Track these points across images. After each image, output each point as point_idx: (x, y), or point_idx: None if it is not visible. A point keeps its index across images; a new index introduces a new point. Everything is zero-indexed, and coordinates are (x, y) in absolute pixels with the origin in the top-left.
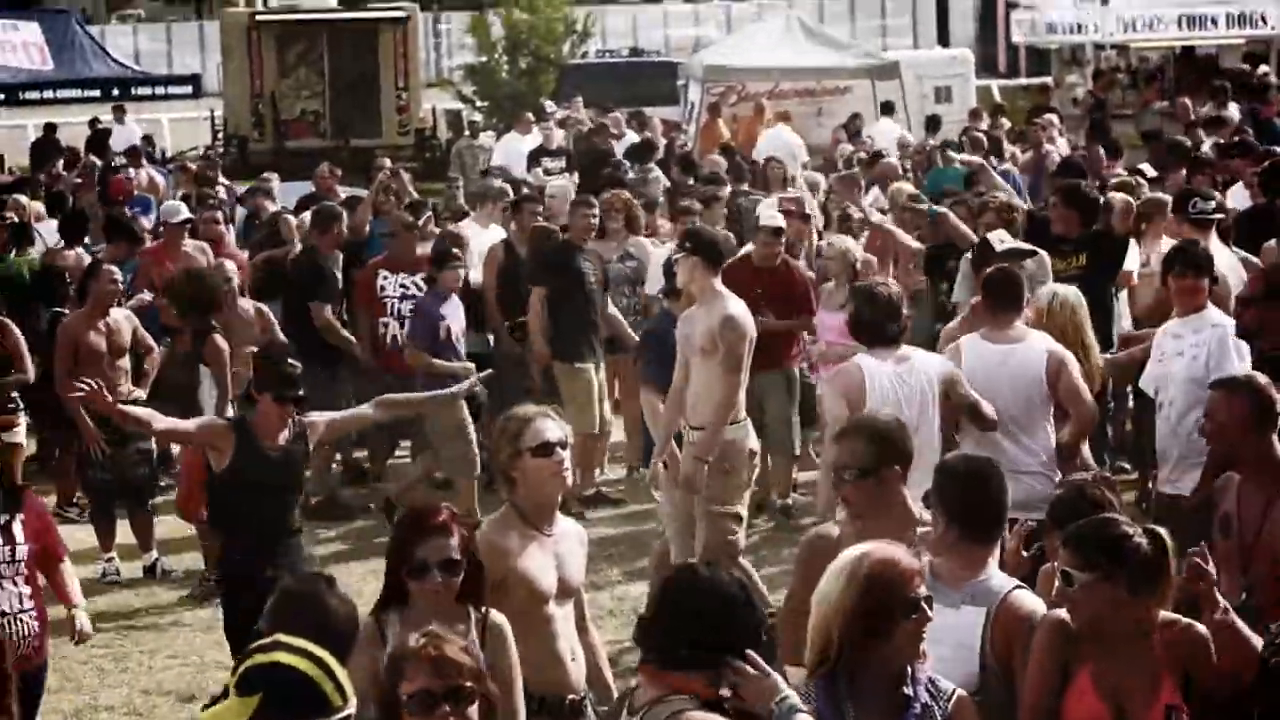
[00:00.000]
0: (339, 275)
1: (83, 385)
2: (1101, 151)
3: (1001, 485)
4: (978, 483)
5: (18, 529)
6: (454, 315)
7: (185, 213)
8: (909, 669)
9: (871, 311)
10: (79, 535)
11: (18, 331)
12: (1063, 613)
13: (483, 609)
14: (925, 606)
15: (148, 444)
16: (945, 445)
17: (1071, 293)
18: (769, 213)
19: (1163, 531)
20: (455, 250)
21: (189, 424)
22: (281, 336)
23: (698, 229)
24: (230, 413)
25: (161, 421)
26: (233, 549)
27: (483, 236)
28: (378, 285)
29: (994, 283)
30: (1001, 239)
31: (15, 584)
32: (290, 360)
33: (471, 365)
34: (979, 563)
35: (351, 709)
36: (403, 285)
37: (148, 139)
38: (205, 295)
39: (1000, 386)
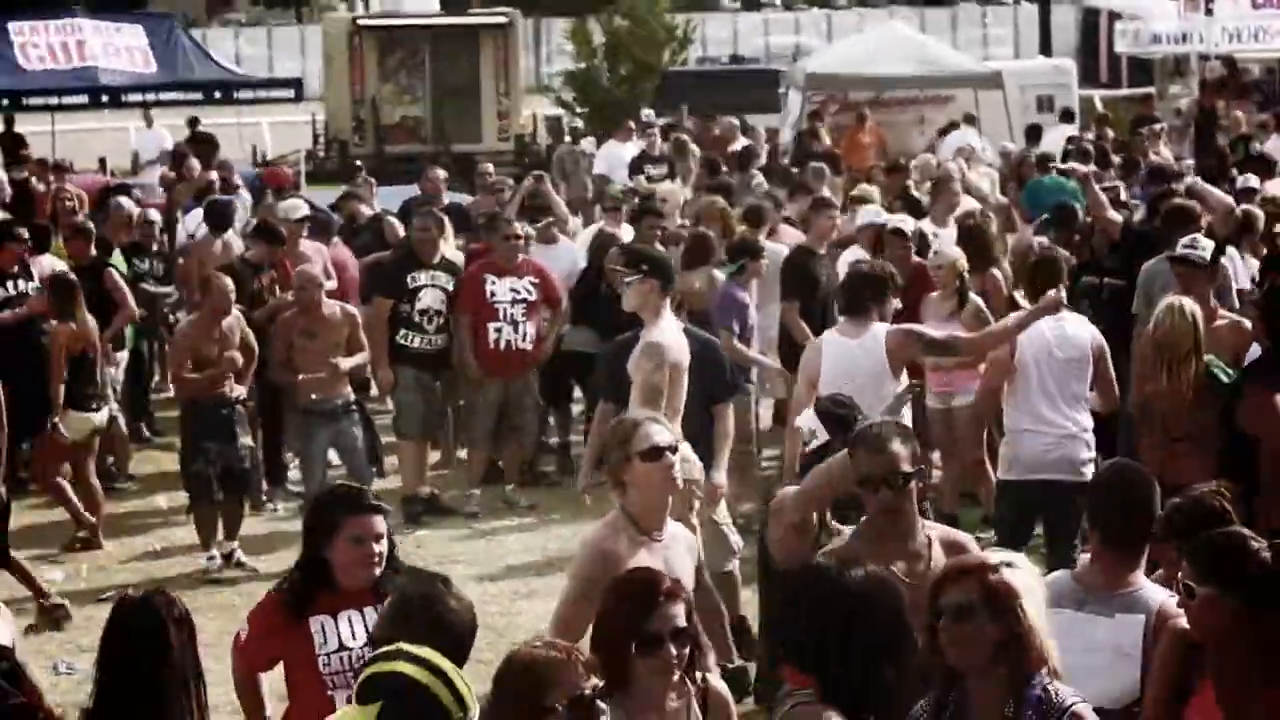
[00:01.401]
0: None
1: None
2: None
3: (1147, 495)
4: (1121, 492)
5: None
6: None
7: (305, 210)
8: (1019, 688)
9: (851, 282)
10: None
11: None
12: (1184, 623)
13: (702, 679)
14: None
15: (249, 439)
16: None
17: (1187, 302)
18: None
19: None
20: (759, 243)
21: None
22: (364, 340)
23: (648, 251)
24: None
25: None
26: None
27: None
28: (486, 290)
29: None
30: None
31: None
32: None
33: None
34: (1128, 571)
35: (473, 717)
36: (513, 290)
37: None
38: None
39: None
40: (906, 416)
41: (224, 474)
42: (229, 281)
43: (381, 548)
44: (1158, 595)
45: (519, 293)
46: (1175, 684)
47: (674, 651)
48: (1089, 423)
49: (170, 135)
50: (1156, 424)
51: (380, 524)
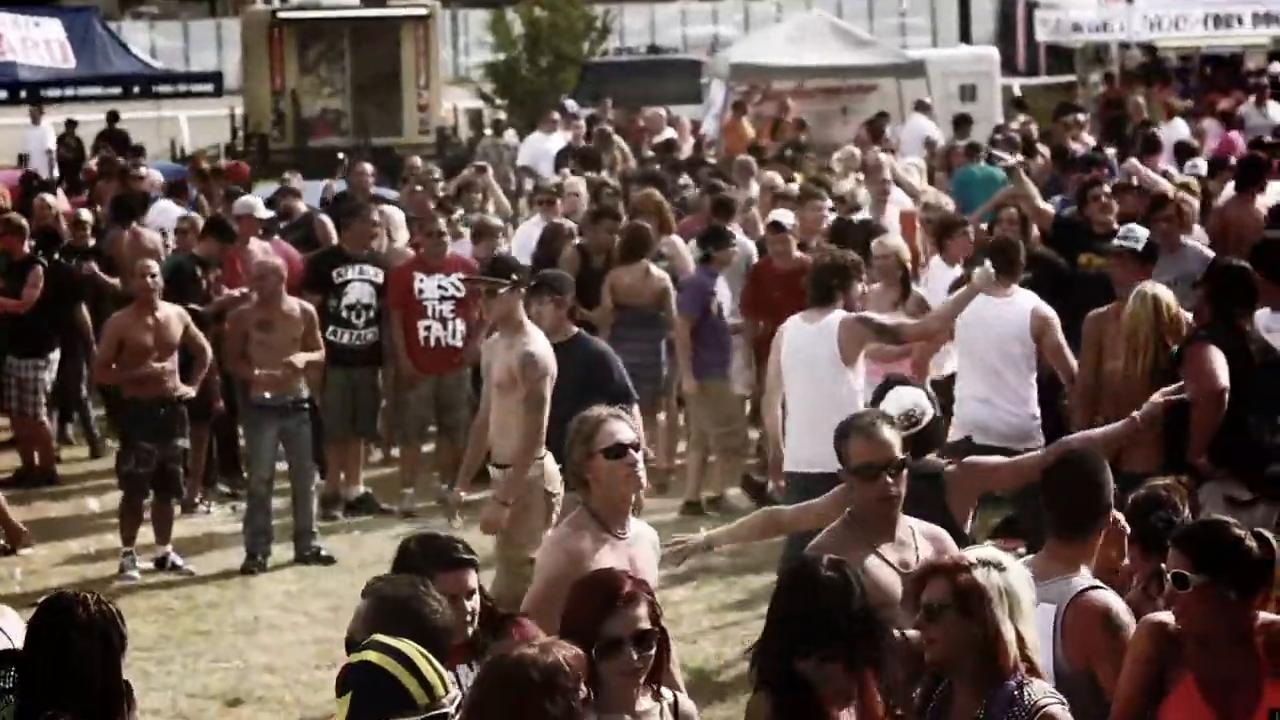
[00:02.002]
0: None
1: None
2: (1112, 153)
3: (1094, 483)
4: (1065, 480)
5: None
6: (723, 294)
7: (261, 208)
8: (992, 688)
9: (816, 271)
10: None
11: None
12: (1162, 616)
13: (674, 693)
14: None
15: (186, 441)
16: None
17: (1158, 289)
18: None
19: (1269, 534)
20: (730, 231)
21: None
22: (320, 338)
23: (508, 258)
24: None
25: None
26: None
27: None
28: (415, 288)
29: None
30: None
31: None
32: None
33: None
34: (1067, 560)
35: (446, 707)
36: (440, 287)
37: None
38: None
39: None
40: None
41: (158, 474)
42: (153, 265)
43: (474, 604)
44: (1077, 585)
45: (446, 290)
46: (1149, 681)
47: (635, 655)
48: (1032, 395)
49: (54, 132)
50: (1110, 407)
51: (472, 579)
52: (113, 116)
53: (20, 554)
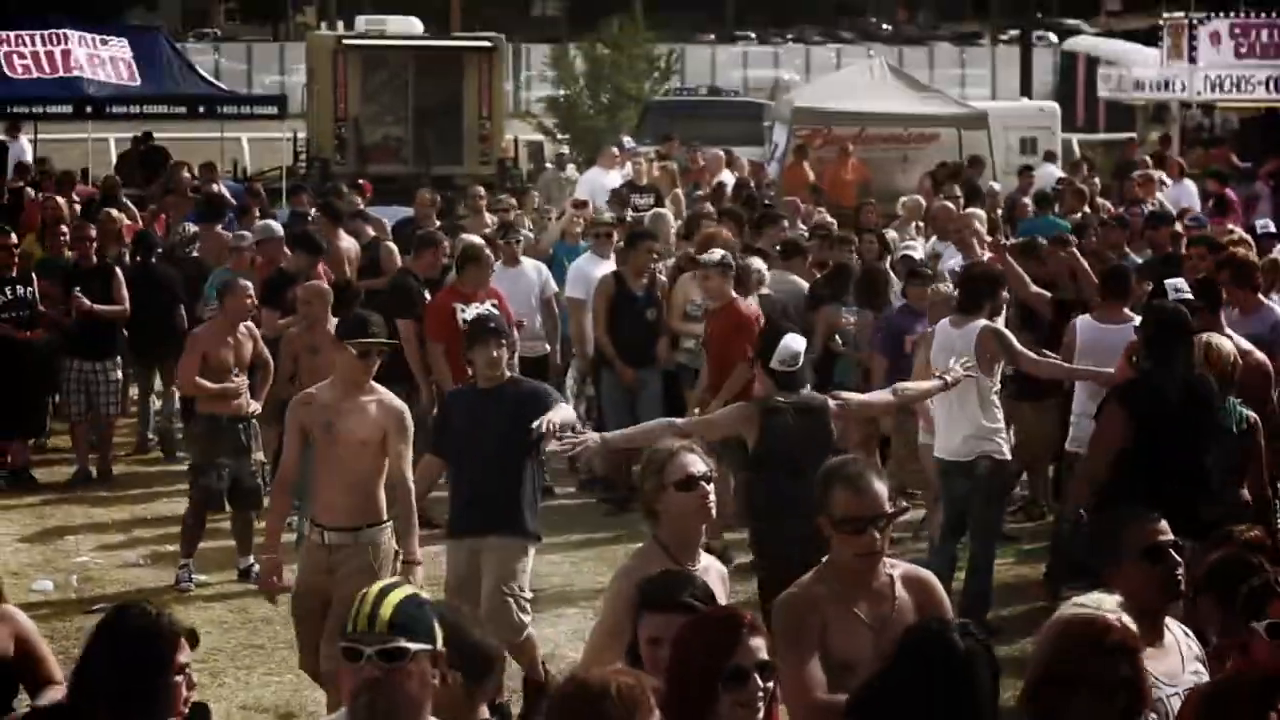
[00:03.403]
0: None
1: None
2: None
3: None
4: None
5: None
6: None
7: (280, 230)
8: None
9: (967, 279)
10: None
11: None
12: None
13: None
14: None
15: (261, 454)
16: None
17: (1216, 339)
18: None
19: None
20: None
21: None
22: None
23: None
24: None
25: None
26: None
27: (602, 267)
28: (458, 318)
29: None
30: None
31: None
32: None
33: None
34: None
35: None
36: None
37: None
38: None
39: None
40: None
41: (234, 488)
42: (248, 285)
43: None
44: None
45: None
46: None
47: (759, 684)
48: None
49: (29, 148)
50: None
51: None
52: (147, 136)
53: (76, 561)
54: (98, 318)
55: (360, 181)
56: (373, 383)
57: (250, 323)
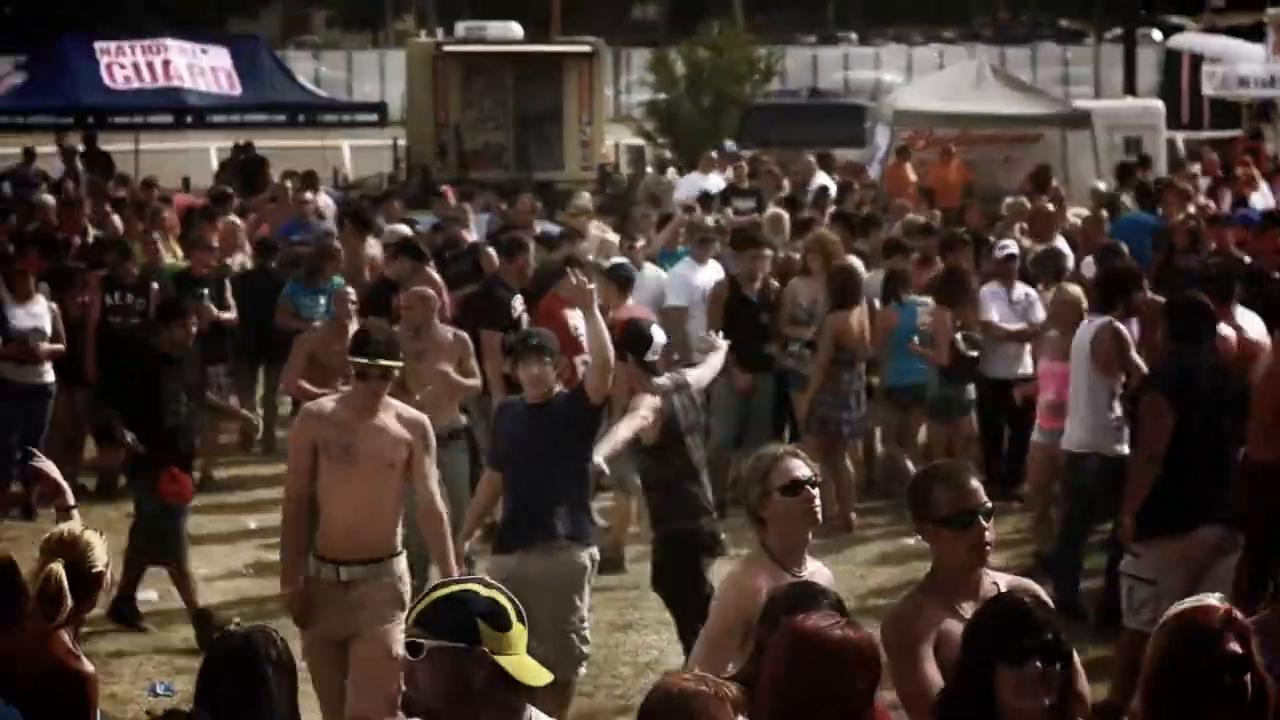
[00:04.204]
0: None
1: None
2: None
3: None
4: None
5: None
6: None
7: (405, 232)
8: None
9: (1103, 277)
10: None
11: None
12: None
13: None
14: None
15: None
16: None
17: None
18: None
19: None
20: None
21: None
22: (474, 364)
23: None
24: None
25: None
26: None
27: (701, 273)
28: (571, 326)
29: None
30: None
31: None
32: None
33: None
34: None
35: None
36: None
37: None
38: None
39: None
40: None
41: None
42: (351, 292)
43: None
44: None
45: None
46: None
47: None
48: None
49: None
50: None
51: None
52: (247, 146)
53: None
54: (221, 326)
55: (443, 188)
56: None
57: None
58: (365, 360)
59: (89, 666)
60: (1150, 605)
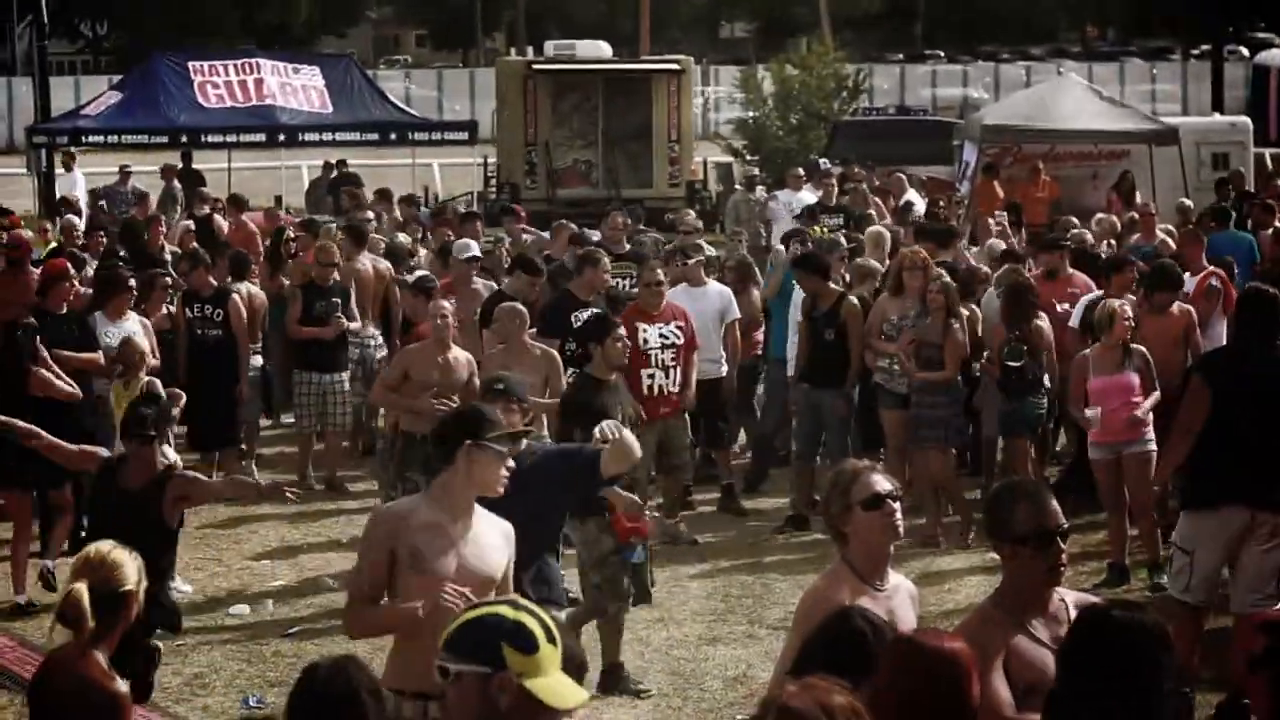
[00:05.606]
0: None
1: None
2: None
3: None
4: None
5: None
6: None
7: (475, 250)
8: None
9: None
10: None
11: None
12: None
13: None
14: None
15: None
16: None
17: None
18: None
19: None
20: None
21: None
22: (562, 380)
23: None
24: None
25: None
26: None
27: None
28: (640, 338)
29: None
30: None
31: None
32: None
33: None
34: None
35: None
36: (662, 335)
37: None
38: None
39: None
40: None
41: None
42: (446, 306)
43: None
44: None
45: (667, 338)
46: None
47: None
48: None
49: (82, 180)
50: None
51: None
52: (341, 163)
53: (272, 585)
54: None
55: (514, 206)
56: None
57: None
58: (501, 434)
59: (123, 686)
60: (1185, 574)
